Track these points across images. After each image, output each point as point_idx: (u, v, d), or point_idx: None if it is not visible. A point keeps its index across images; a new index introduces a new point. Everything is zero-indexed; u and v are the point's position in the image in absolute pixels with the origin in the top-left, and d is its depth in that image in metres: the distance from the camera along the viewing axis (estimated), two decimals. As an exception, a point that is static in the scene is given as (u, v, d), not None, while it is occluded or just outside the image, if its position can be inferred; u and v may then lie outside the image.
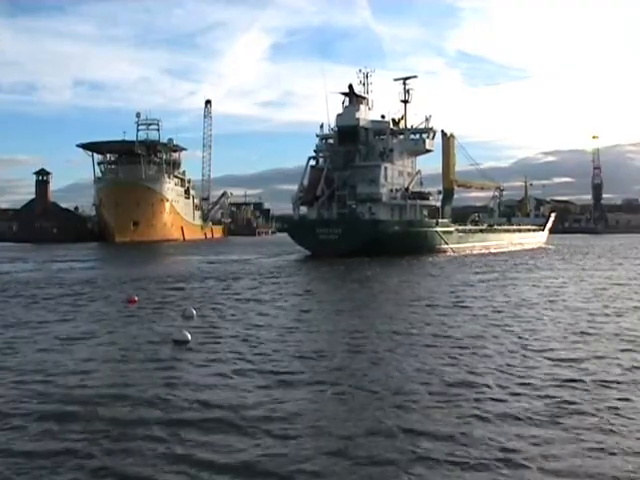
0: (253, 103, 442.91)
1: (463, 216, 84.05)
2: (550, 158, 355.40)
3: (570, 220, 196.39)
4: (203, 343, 15.25)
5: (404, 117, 66.44)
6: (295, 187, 64.16)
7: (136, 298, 23.66)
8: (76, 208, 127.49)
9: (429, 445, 8.09)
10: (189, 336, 15.52)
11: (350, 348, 14.51)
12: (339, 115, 62.70)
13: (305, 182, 61.80)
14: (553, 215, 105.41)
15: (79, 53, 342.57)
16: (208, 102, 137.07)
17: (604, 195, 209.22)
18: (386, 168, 60.89)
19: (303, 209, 62.55)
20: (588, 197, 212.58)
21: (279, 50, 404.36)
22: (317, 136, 64.64)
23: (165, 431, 8.82)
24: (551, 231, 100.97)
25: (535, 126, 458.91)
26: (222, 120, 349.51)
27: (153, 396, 10.55)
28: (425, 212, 63.15)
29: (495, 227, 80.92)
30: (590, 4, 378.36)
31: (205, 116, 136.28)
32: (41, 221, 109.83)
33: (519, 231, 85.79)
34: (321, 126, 64.13)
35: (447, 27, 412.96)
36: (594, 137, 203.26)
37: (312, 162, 63.29)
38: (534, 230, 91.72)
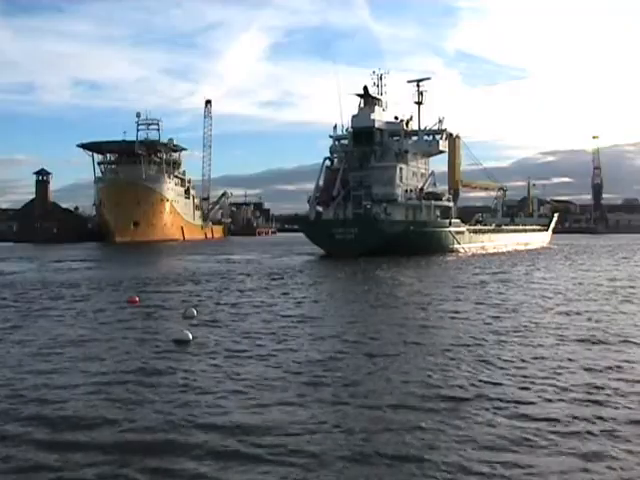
0: (252, 103, 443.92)
1: (465, 216, 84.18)
2: (549, 158, 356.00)
3: (570, 220, 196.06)
4: (204, 343, 15.00)
5: (412, 118, 67.01)
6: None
7: (137, 298, 23.44)
8: (76, 208, 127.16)
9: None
10: (190, 336, 15.33)
11: (355, 354, 13.80)
12: (354, 116, 63.48)
13: (321, 182, 62.27)
14: (556, 215, 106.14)
15: (77, 53, 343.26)
16: (208, 102, 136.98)
17: (604, 195, 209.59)
18: (401, 169, 61.69)
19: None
20: (588, 197, 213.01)
21: (278, 50, 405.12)
22: (330, 137, 65.22)
23: (161, 443, 8.30)
24: (553, 231, 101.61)
25: (534, 126, 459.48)
26: (222, 120, 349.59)
27: (151, 402, 10.19)
28: (438, 212, 63.84)
29: (503, 227, 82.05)
30: (589, 4, 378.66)
31: (205, 116, 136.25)
32: (41, 221, 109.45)
33: (525, 231, 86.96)
34: (334, 127, 64.82)
35: (446, 27, 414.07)
36: (594, 137, 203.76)
37: (327, 163, 63.86)
38: (539, 230, 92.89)
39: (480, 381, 11.33)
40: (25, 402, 10.18)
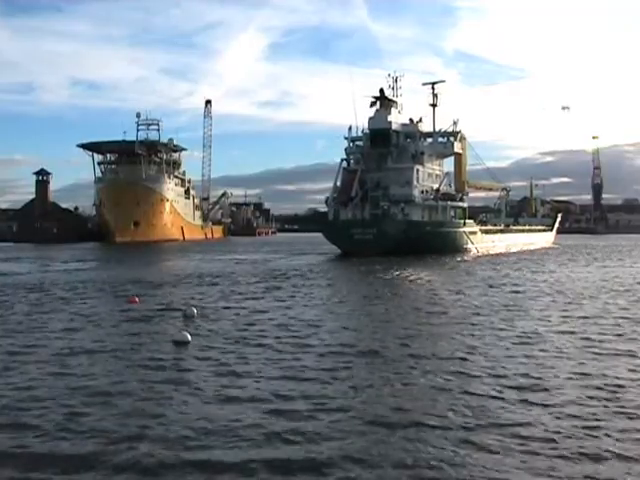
0: (252, 103, 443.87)
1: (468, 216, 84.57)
2: (548, 158, 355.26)
3: (570, 220, 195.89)
4: (204, 344, 14.78)
5: (422, 120, 67.26)
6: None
7: (136, 298, 23.28)
8: (76, 208, 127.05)
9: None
10: (189, 337, 15.15)
11: (360, 362, 13.15)
12: (371, 118, 64.51)
13: (338, 183, 62.92)
14: (560, 215, 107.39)
15: (76, 53, 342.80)
16: (208, 102, 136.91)
17: (604, 195, 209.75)
18: (418, 170, 62.58)
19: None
20: (588, 197, 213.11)
21: (277, 50, 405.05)
22: (345, 138, 66.00)
23: (158, 453, 7.94)
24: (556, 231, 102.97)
25: (533, 126, 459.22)
26: (221, 120, 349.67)
27: (147, 406, 9.95)
28: (452, 213, 64.58)
29: (511, 227, 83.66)
30: (589, 4, 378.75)
31: (205, 116, 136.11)
32: (41, 221, 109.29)
33: (531, 231, 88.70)
34: (349, 128, 65.57)
35: (444, 26, 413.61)
36: (594, 137, 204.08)
37: (344, 164, 64.52)
38: (543, 230, 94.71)
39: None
40: (23, 400, 10.14)
